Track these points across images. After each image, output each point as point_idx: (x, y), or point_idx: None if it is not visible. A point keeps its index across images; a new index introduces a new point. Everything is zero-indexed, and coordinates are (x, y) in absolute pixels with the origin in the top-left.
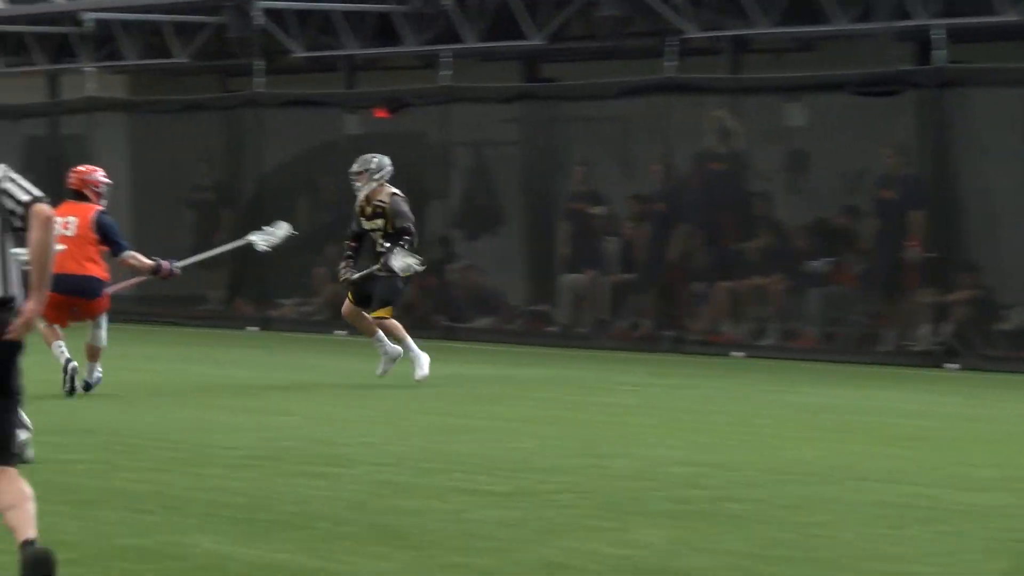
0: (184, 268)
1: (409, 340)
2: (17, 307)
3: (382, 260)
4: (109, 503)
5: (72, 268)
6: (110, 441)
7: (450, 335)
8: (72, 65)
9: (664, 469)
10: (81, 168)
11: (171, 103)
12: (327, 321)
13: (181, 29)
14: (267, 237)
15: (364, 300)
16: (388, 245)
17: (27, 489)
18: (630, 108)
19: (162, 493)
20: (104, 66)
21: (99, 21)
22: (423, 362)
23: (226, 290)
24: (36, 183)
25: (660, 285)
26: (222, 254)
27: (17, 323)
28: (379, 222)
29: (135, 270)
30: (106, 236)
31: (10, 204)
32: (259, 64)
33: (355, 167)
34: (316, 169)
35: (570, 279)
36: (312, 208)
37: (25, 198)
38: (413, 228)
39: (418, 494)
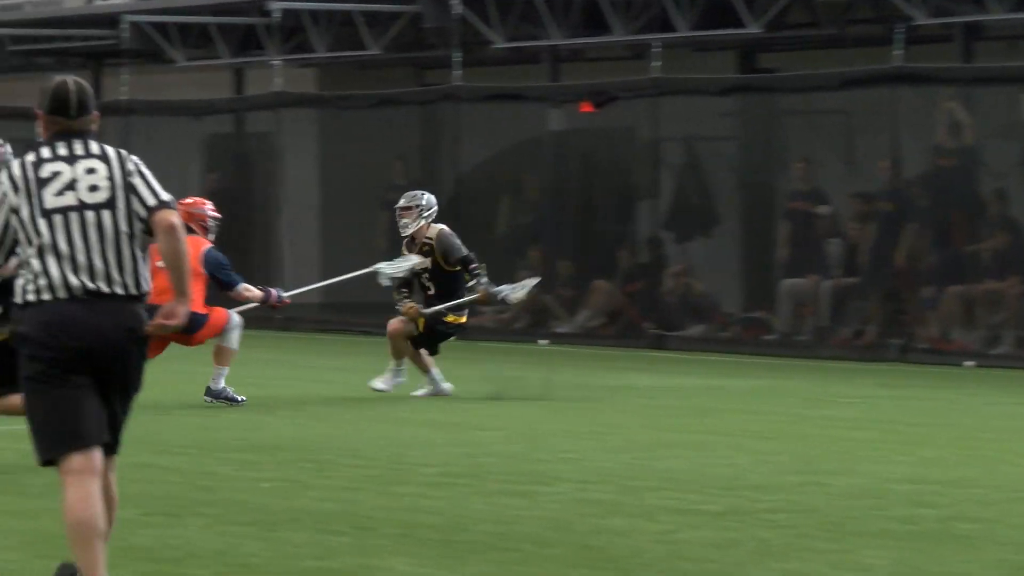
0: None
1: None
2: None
3: (498, 296)
4: (296, 524)
5: None
6: (298, 458)
7: (659, 344)
8: (258, 58)
9: (888, 487)
10: (188, 200)
11: (363, 98)
12: (527, 329)
13: (374, 19)
14: (395, 268)
15: (424, 337)
16: (472, 283)
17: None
18: (854, 100)
19: (353, 513)
20: (292, 59)
21: (287, 11)
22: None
23: None
24: (219, 183)
25: (886, 290)
26: (344, 282)
27: (157, 319)
28: (427, 261)
29: (246, 300)
30: (216, 272)
31: (136, 206)
32: (457, 56)
33: (402, 202)
34: (518, 167)
35: (789, 284)
36: (513, 209)
37: (152, 202)
38: (472, 255)
39: (625, 513)
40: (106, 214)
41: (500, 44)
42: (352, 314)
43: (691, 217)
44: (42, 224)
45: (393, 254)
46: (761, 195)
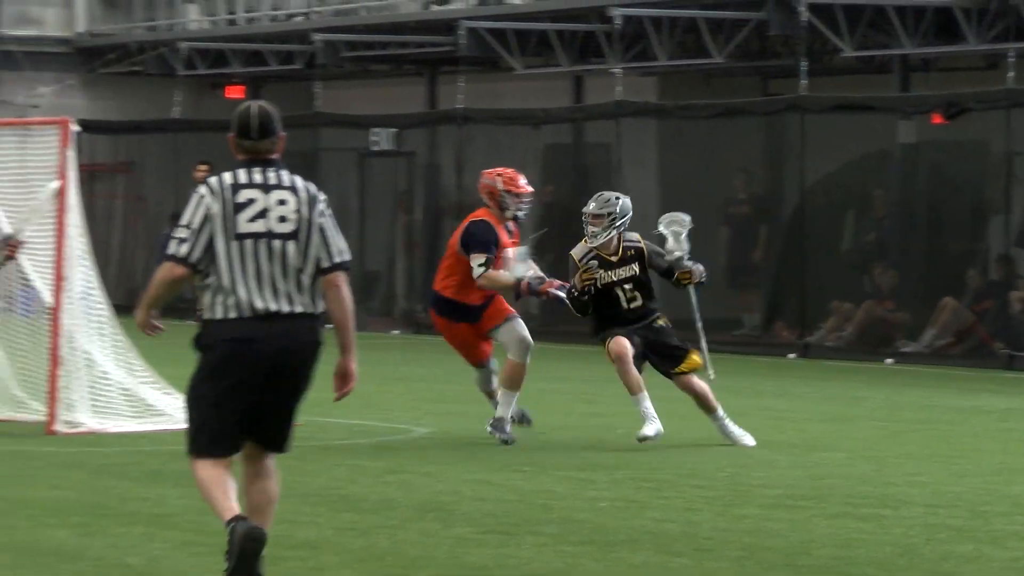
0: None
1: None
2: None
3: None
4: (634, 544)
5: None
6: (635, 477)
7: (1012, 364)
8: (598, 66)
9: None
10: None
11: (705, 108)
12: (871, 348)
13: (717, 27)
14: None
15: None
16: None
17: (276, 494)
18: None
19: (692, 534)
20: (633, 67)
21: (629, 18)
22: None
23: (763, 313)
24: (555, 196)
25: None
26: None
27: (338, 389)
28: (633, 267)
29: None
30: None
31: (320, 253)
32: (804, 64)
33: (592, 207)
34: (865, 181)
35: None
36: (859, 224)
37: (327, 264)
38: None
39: (974, 539)
40: (291, 244)
41: (848, 52)
42: (690, 330)
43: None
44: (234, 247)
45: (730, 269)
46: None
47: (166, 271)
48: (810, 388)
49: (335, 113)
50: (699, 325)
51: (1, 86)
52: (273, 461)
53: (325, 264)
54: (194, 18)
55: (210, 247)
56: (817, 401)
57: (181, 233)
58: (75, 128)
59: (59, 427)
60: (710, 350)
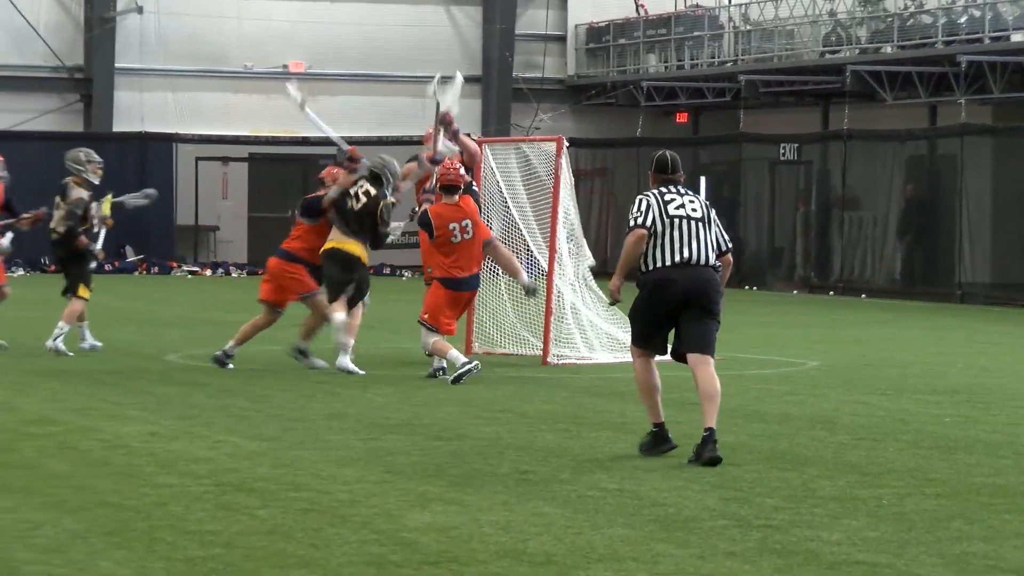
0: None
1: None
2: None
3: None
4: (970, 449)
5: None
6: (972, 400)
7: None
8: (948, 98)
9: None
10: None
11: None
12: None
13: None
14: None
15: None
16: None
17: (717, 385)
18: None
19: (1013, 443)
20: (974, 98)
21: (972, 62)
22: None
23: None
24: (914, 193)
25: None
26: None
27: None
28: None
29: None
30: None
31: (719, 238)
32: None
33: None
34: None
35: None
36: None
37: (724, 248)
38: None
39: None
40: (699, 224)
41: None
42: (1019, 291)
43: None
44: (666, 223)
45: None
46: None
47: (634, 235)
48: None
49: (754, 133)
50: None
51: (514, 113)
52: (698, 357)
53: (724, 248)
54: (653, 64)
55: (652, 224)
56: None
57: (637, 216)
58: (566, 144)
59: (551, 359)
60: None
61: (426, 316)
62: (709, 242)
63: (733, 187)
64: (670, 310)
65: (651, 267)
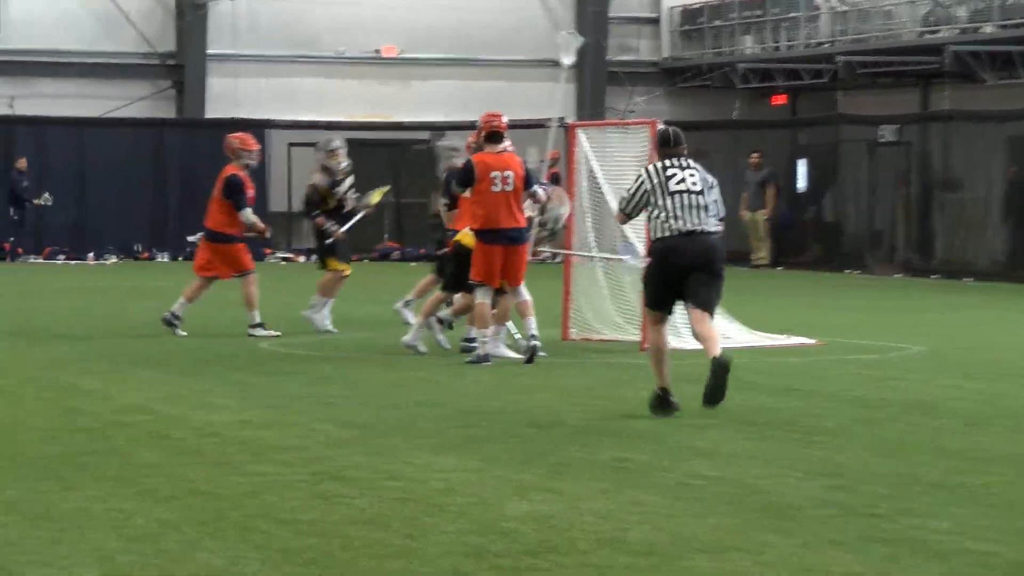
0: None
1: None
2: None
3: None
4: None
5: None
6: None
7: None
8: None
9: None
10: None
11: None
12: None
13: None
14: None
15: None
16: None
17: (715, 332)
18: None
19: None
20: None
21: None
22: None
23: None
24: (1016, 175)
25: None
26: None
27: None
28: None
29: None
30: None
31: (719, 202)
32: None
33: None
34: None
35: None
36: None
37: (721, 214)
38: None
39: None
40: (699, 196)
41: None
42: None
43: None
44: (668, 200)
45: None
46: None
47: (616, 218)
48: None
49: (852, 114)
50: None
51: (608, 97)
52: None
53: (722, 214)
54: (749, 46)
55: (640, 198)
56: None
57: (626, 200)
58: (661, 127)
59: (647, 346)
60: None
61: (476, 276)
62: (710, 210)
63: (831, 169)
64: (678, 275)
65: (658, 237)
